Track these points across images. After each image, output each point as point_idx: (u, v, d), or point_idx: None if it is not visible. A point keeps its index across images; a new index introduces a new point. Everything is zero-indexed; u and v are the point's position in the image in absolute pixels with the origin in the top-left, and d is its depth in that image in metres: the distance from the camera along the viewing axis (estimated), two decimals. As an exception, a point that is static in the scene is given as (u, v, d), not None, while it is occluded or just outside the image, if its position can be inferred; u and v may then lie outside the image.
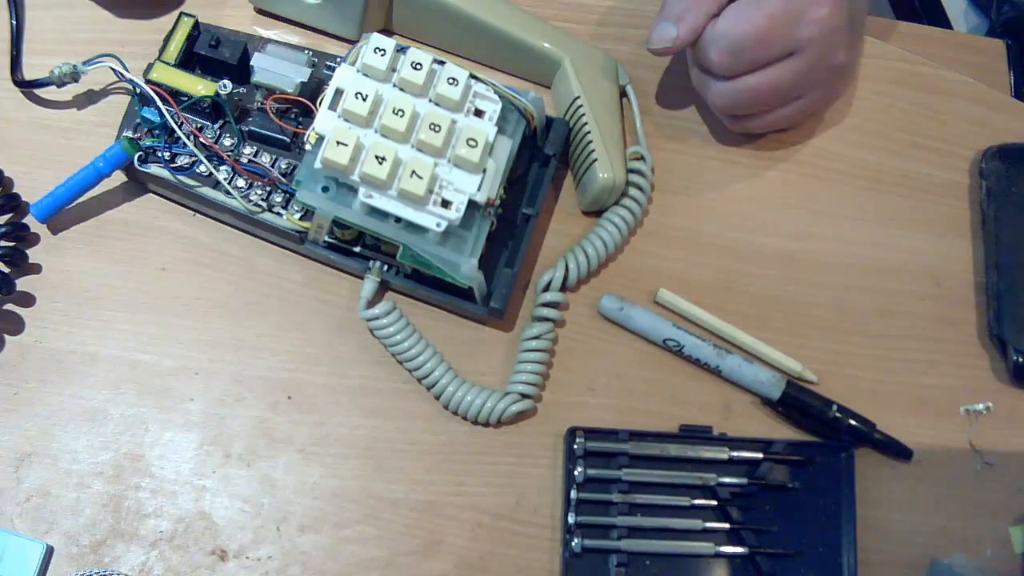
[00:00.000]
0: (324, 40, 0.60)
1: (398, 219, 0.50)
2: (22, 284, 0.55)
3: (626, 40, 0.62)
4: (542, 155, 0.56)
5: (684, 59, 0.58)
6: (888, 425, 0.56)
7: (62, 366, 0.53)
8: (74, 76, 0.55)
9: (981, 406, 0.57)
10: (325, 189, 0.51)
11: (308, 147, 0.51)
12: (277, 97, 0.53)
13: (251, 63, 0.54)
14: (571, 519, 0.52)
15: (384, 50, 0.51)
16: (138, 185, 0.56)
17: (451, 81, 0.51)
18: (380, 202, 0.49)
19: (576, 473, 0.53)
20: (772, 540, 0.53)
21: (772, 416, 0.56)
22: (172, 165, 0.53)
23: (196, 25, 0.55)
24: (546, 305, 0.55)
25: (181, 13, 0.55)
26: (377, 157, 0.49)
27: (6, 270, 0.53)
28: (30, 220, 0.55)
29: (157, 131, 0.53)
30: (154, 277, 0.55)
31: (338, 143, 0.49)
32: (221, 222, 0.56)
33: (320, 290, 0.56)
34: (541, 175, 0.55)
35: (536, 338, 0.55)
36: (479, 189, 0.50)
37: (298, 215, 0.53)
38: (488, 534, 0.53)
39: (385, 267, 0.54)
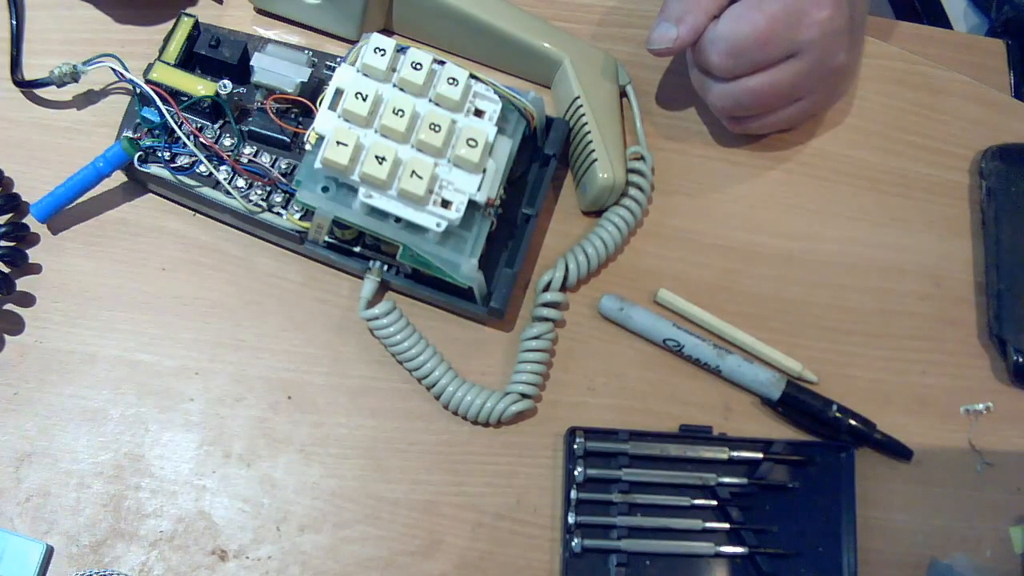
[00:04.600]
0: (324, 40, 0.60)
1: (398, 219, 0.50)
2: (22, 284, 0.55)
3: (626, 40, 0.62)
4: (542, 155, 0.56)
5: (684, 59, 0.58)
6: (888, 425, 0.56)
7: (62, 366, 0.53)
8: (74, 76, 0.55)
9: (981, 406, 0.57)
10: (325, 189, 0.51)
11: (308, 147, 0.51)
12: (277, 97, 0.53)
13: (251, 63, 0.54)
14: (571, 519, 0.52)
15: (384, 50, 0.51)
16: (138, 185, 0.56)
17: (451, 81, 0.51)
18: (380, 202, 0.49)
19: (576, 473, 0.53)
20: (772, 540, 0.53)
21: (772, 416, 0.56)
22: (172, 165, 0.53)
23: (196, 25, 0.55)
24: (546, 305, 0.55)
25: (181, 13, 0.55)
26: (377, 157, 0.49)
27: (6, 270, 0.53)
28: (30, 220, 0.55)
29: (157, 131, 0.53)
30: (154, 277, 0.55)
31: (338, 143, 0.49)
32: (221, 222, 0.56)
33: (320, 290, 0.56)
34: (541, 175, 0.55)
35: (536, 338, 0.55)
36: (479, 189, 0.50)
37: (298, 215, 0.53)
38: (488, 534, 0.53)
39: (385, 267, 0.54)
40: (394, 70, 0.51)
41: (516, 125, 0.53)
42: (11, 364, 0.53)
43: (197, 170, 0.54)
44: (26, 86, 0.57)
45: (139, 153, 0.53)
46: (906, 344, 0.58)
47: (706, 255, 0.59)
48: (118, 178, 0.56)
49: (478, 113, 0.52)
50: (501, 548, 0.53)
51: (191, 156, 0.53)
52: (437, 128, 0.50)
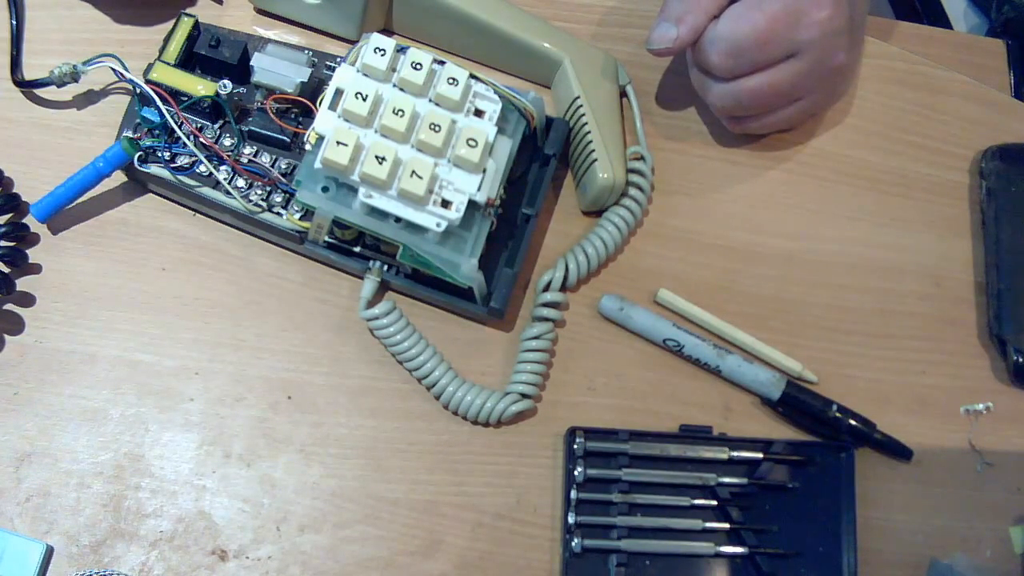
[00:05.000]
0: (324, 40, 0.60)
1: (398, 219, 0.50)
2: (22, 284, 0.55)
3: (626, 40, 0.62)
4: (542, 155, 0.56)
5: (684, 59, 0.58)
6: (888, 425, 0.56)
7: (62, 366, 0.53)
8: (74, 76, 0.55)
9: (981, 406, 0.57)
10: (325, 189, 0.51)
11: (308, 147, 0.51)
12: (277, 97, 0.53)
13: (251, 63, 0.54)
14: (571, 519, 0.52)
15: (384, 50, 0.51)
16: (138, 185, 0.56)
17: (451, 81, 0.51)
18: (380, 202, 0.49)
19: (576, 473, 0.53)
20: (772, 540, 0.53)
21: (772, 416, 0.56)
22: (172, 165, 0.53)
23: (196, 25, 0.55)
24: (546, 305, 0.55)
25: (181, 13, 0.55)
26: (377, 157, 0.49)
27: (6, 270, 0.53)
28: (30, 220, 0.55)
29: (157, 131, 0.53)
30: (154, 277, 0.55)
31: (338, 143, 0.49)
32: (221, 222, 0.56)
33: (320, 290, 0.56)
34: (541, 175, 0.55)
35: (536, 338, 0.55)
36: (479, 189, 0.50)
37: (298, 215, 0.53)
38: (488, 534, 0.53)
39: (385, 267, 0.54)
40: (394, 70, 0.51)
41: (516, 125, 0.53)
42: (11, 364, 0.53)
43: (197, 170, 0.54)
44: (26, 86, 0.57)
45: (139, 153, 0.53)
46: (906, 344, 0.58)
47: (706, 255, 0.59)
48: (118, 178, 0.56)
49: (478, 113, 0.52)
50: (501, 548, 0.53)
51: (191, 156, 0.53)
52: (437, 128, 0.50)
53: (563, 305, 0.56)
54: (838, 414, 0.55)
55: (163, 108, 0.52)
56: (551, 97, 0.59)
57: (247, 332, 0.55)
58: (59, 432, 0.52)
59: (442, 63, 0.51)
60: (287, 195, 0.54)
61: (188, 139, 0.53)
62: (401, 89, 0.51)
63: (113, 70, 0.54)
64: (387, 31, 0.60)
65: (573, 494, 0.53)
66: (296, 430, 0.54)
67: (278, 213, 0.54)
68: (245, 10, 0.60)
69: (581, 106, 0.56)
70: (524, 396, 0.54)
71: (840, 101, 0.60)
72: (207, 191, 0.54)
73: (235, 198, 0.53)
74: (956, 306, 0.59)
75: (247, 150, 0.54)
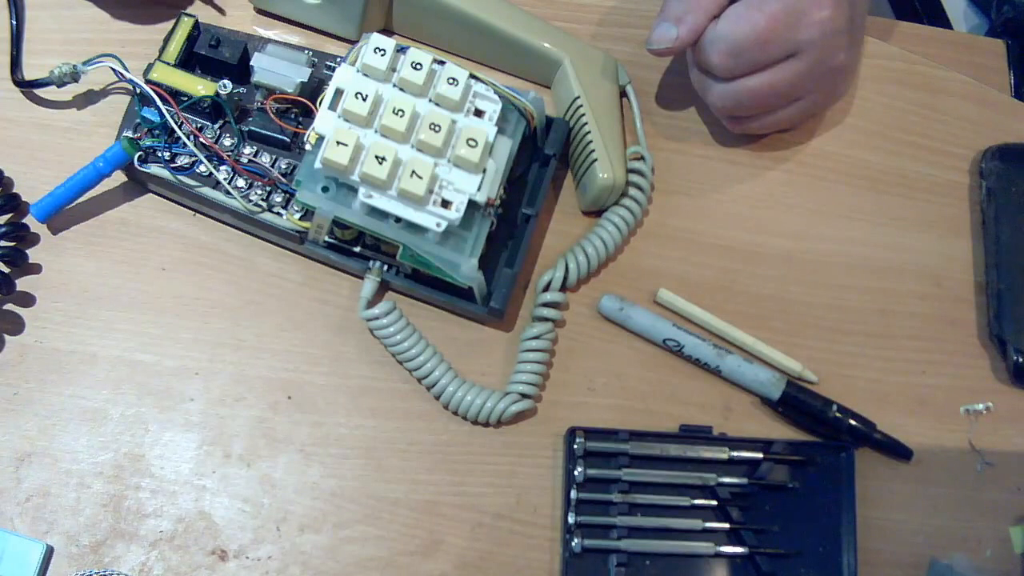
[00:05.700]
0: (324, 40, 0.60)
1: (398, 219, 0.50)
2: (22, 284, 0.55)
3: (626, 40, 0.62)
4: (542, 155, 0.56)
5: (684, 59, 0.58)
6: (888, 425, 0.56)
7: (62, 366, 0.53)
8: (74, 76, 0.55)
9: (981, 406, 0.57)
10: (325, 189, 0.51)
11: (308, 147, 0.51)
12: (277, 97, 0.53)
13: (251, 63, 0.54)
14: (571, 519, 0.52)
15: (384, 50, 0.51)
16: (138, 185, 0.56)
17: (451, 81, 0.51)
18: (380, 202, 0.49)
19: (576, 473, 0.53)
20: (772, 540, 0.53)
21: (772, 416, 0.56)
22: (172, 165, 0.53)
23: (196, 25, 0.55)
24: (546, 305, 0.55)
25: (181, 13, 0.55)
26: (377, 157, 0.49)
27: (6, 270, 0.53)
28: (30, 220, 0.55)
29: (157, 131, 0.53)
30: (154, 277, 0.55)
31: (338, 143, 0.49)
32: (221, 222, 0.56)
33: (320, 290, 0.56)
34: (541, 175, 0.55)
35: (536, 338, 0.55)
36: (479, 189, 0.50)
37: (298, 215, 0.53)
38: (488, 534, 0.53)
39: (385, 267, 0.54)
40: (394, 70, 0.51)
41: (516, 125, 0.53)
42: (11, 364, 0.53)
43: (197, 170, 0.54)
44: (26, 86, 0.57)
45: (139, 153, 0.53)
46: (906, 344, 0.58)
47: (706, 255, 0.59)
48: (118, 178, 0.56)
49: (478, 113, 0.52)
50: (501, 548, 0.53)
51: (191, 156, 0.53)
52: (437, 128, 0.50)
53: (563, 305, 0.56)
54: (838, 414, 0.55)
55: (163, 108, 0.52)
56: (551, 97, 0.59)
57: (247, 332, 0.55)
58: (59, 432, 0.52)
59: (442, 63, 0.51)
60: (287, 195, 0.54)
61: (188, 139, 0.53)
62: (401, 89, 0.51)
63: (113, 70, 0.54)
64: (387, 31, 0.60)
65: (573, 494, 0.53)
66: (296, 430, 0.54)
67: (278, 213, 0.54)
68: (245, 10, 0.60)
69: (581, 106, 0.56)
70: (524, 396, 0.54)
71: (840, 101, 0.60)
72: (207, 191, 0.54)
73: (235, 198, 0.53)
74: (956, 306, 0.59)
75: (247, 150, 0.54)
